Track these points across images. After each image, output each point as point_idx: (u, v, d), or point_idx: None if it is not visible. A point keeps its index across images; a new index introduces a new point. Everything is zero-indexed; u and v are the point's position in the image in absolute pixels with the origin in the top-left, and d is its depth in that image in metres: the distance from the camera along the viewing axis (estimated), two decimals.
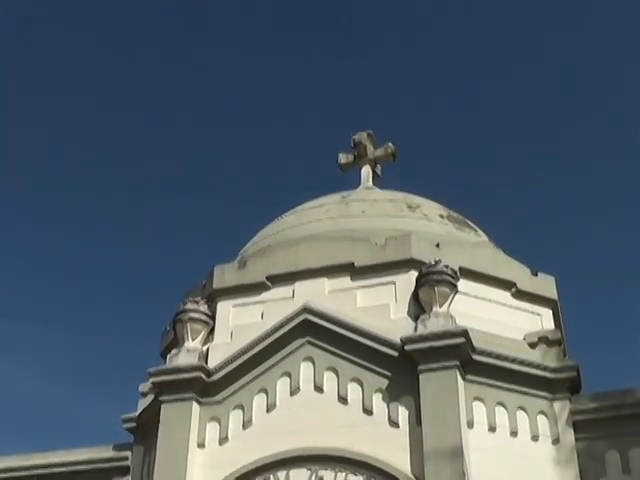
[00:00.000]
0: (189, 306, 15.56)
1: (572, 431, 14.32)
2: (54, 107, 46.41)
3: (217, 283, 16.10)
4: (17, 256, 45.24)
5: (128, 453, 16.32)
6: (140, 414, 16.13)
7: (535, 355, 14.86)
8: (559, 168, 44.23)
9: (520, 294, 15.90)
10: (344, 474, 13.62)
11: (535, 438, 14.22)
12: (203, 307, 15.61)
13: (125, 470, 16.25)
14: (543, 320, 15.87)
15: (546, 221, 43.88)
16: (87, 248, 45.61)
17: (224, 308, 15.85)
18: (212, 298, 16.00)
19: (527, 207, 44.68)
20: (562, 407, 14.51)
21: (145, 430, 15.82)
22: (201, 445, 14.59)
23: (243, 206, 45.15)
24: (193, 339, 15.37)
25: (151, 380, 15.29)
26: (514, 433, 14.13)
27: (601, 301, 41.50)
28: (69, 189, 46.25)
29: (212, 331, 15.65)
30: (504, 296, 15.77)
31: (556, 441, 14.27)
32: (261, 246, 17.32)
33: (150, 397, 15.87)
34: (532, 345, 15.07)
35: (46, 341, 44.96)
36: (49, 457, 16.89)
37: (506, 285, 15.85)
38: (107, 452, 16.57)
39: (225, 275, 16.18)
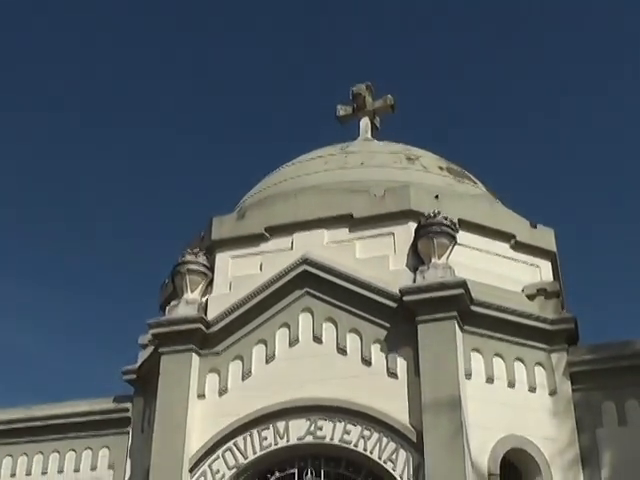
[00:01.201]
0: (188, 258, 15.56)
1: (569, 382, 14.43)
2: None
3: (216, 234, 16.08)
4: (13, 214, 45.32)
5: (129, 405, 16.47)
6: (140, 366, 16.24)
7: (533, 307, 14.92)
8: (559, 119, 44.14)
9: (519, 246, 15.92)
10: (343, 424, 13.73)
11: (532, 389, 14.32)
12: (202, 259, 15.60)
13: (126, 421, 16.41)
14: (542, 272, 15.93)
15: (546, 173, 43.92)
16: (85, 203, 45.63)
17: (223, 259, 15.86)
18: (211, 250, 15.99)
19: (527, 160, 44.65)
20: (559, 358, 14.59)
21: (145, 382, 15.94)
22: (201, 396, 14.70)
23: (242, 158, 45.17)
24: (192, 291, 15.39)
25: (150, 332, 15.35)
26: (511, 384, 14.22)
27: (600, 254, 41.62)
28: (64, 140, 46.21)
29: (211, 283, 15.68)
30: (503, 248, 15.78)
31: (553, 392, 14.39)
32: (260, 197, 17.30)
33: (150, 349, 15.96)
34: (530, 297, 15.13)
35: (46, 296, 45.16)
36: (51, 409, 17.07)
37: (505, 237, 15.86)
38: (108, 404, 16.72)
39: (224, 226, 16.16)
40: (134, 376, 16.35)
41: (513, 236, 15.89)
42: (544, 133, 44.36)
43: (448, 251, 14.53)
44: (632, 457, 13.82)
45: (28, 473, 16.90)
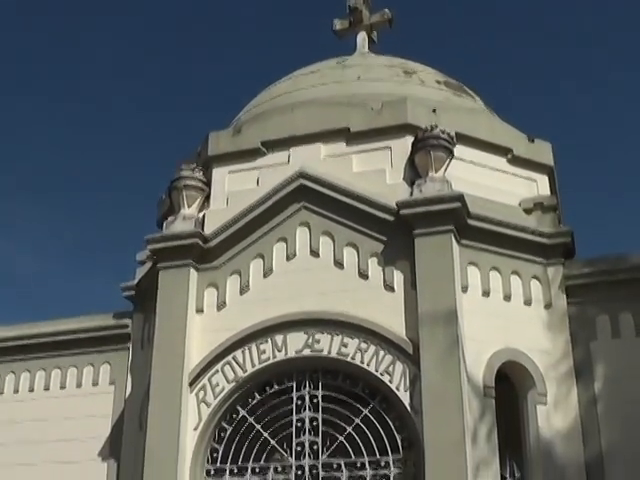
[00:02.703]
0: (184, 173, 15.48)
1: (564, 296, 14.50)
2: None
3: (212, 150, 15.96)
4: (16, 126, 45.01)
5: (128, 321, 16.60)
6: (139, 282, 16.34)
7: (530, 221, 14.91)
8: (557, 34, 43.61)
9: (516, 160, 15.81)
10: (340, 337, 13.83)
11: (528, 302, 14.39)
12: (198, 174, 15.54)
13: (126, 337, 16.57)
14: (539, 186, 15.86)
15: (544, 87, 43.55)
16: (83, 122, 45.36)
17: (219, 174, 15.76)
18: (207, 165, 15.89)
19: (525, 74, 44.25)
20: (555, 272, 14.64)
21: (144, 298, 16.03)
22: (199, 310, 14.78)
23: (238, 73, 44.85)
24: (189, 206, 15.36)
25: (148, 247, 15.37)
26: (507, 297, 14.28)
27: (597, 168, 41.57)
28: (63, 61, 45.68)
29: (208, 198, 15.63)
30: (500, 162, 15.67)
31: (548, 305, 14.47)
32: (256, 112, 17.12)
33: (148, 265, 16.01)
34: (527, 211, 15.12)
35: (44, 214, 45.22)
36: (52, 326, 17.23)
37: (502, 151, 15.74)
38: (108, 320, 16.86)
39: (220, 142, 16.02)
40: (133, 292, 16.46)
41: (510, 150, 15.77)
42: (542, 45, 43.87)
43: (445, 165, 14.43)
44: (625, 370, 13.97)
45: (31, 389, 17.13)
